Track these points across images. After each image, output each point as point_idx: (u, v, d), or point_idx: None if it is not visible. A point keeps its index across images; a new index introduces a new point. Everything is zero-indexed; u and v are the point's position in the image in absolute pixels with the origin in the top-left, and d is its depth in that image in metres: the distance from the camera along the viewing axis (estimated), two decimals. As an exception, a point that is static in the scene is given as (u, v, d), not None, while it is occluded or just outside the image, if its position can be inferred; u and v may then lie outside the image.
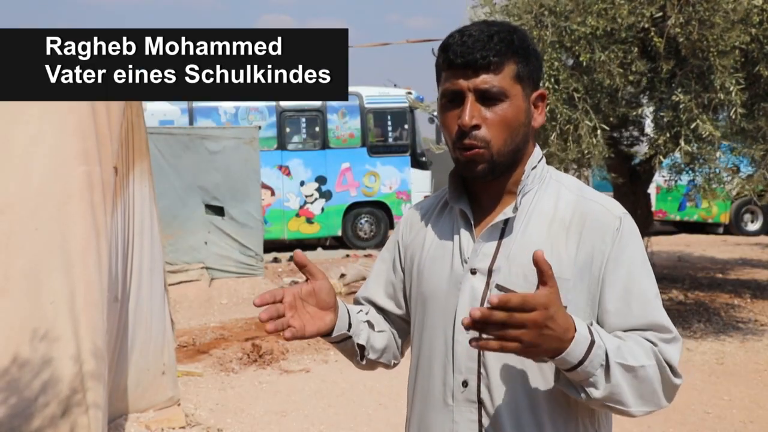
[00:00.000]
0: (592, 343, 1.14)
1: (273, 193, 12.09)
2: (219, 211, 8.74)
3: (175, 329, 5.08)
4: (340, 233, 12.52)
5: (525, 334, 1.07)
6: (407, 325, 1.52)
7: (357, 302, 1.57)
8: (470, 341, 1.10)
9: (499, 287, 1.29)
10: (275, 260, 11.01)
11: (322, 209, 12.39)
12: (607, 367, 1.16)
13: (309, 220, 12.34)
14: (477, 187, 1.38)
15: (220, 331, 6.86)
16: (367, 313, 1.49)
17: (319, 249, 12.49)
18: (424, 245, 1.43)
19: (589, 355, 1.14)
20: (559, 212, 1.32)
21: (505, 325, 1.06)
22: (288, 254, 11.64)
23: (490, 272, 1.31)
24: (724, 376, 5.31)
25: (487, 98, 1.27)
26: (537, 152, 1.37)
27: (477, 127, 1.27)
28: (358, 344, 1.43)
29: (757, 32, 5.11)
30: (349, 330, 1.39)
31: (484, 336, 1.10)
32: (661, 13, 5.29)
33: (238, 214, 8.77)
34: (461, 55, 1.26)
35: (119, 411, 4.10)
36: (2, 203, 3.20)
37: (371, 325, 1.47)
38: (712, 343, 6.12)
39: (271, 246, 11.20)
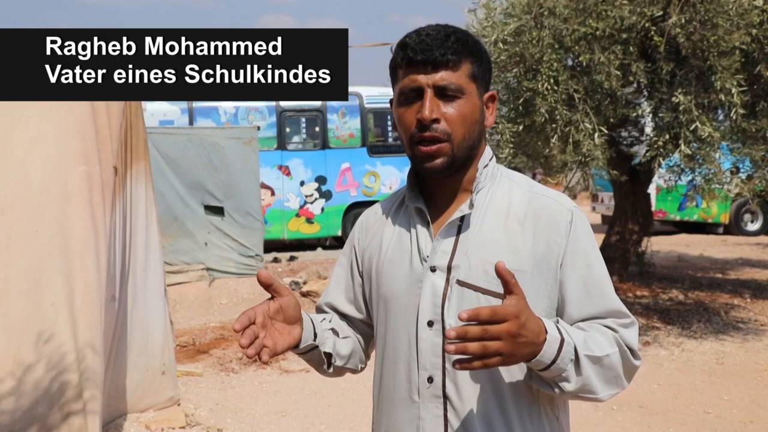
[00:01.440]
0: (562, 341, 1.19)
1: (273, 193, 12.09)
2: (219, 211, 8.73)
3: (175, 329, 5.08)
4: (340, 233, 12.52)
5: (502, 346, 1.10)
6: (370, 328, 1.54)
7: (320, 310, 1.59)
8: (453, 363, 1.12)
9: (459, 283, 1.32)
10: (275, 260, 11.01)
11: (322, 209, 12.39)
12: (577, 361, 1.21)
13: (309, 220, 12.34)
14: (432, 186, 1.41)
15: (220, 331, 6.86)
16: (330, 321, 1.51)
17: (319, 249, 12.49)
18: (381, 247, 1.45)
19: (560, 354, 1.18)
20: (513, 208, 1.36)
21: (482, 339, 1.09)
22: (288, 254, 11.64)
23: (449, 269, 1.34)
24: (724, 376, 5.31)
25: (445, 94, 1.31)
26: (488, 151, 1.42)
27: (437, 120, 1.31)
28: (324, 352, 1.45)
29: (757, 33, 5.11)
30: (315, 340, 1.42)
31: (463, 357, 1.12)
32: (661, 13, 5.29)
33: (238, 214, 8.77)
34: (421, 52, 1.30)
35: (118, 411, 4.09)
36: (2, 203, 3.20)
37: (336, 333, 1.49)
38: (712, 343, 6.12)
39: (271, 246, 11.20)
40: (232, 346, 6.28)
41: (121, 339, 3.95)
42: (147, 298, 4.14)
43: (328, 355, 1.46)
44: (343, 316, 1.55)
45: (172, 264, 8.11)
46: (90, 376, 3.09)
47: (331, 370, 1.49)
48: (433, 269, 1.35)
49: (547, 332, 1.16)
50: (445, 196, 1.40)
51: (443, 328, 1.33)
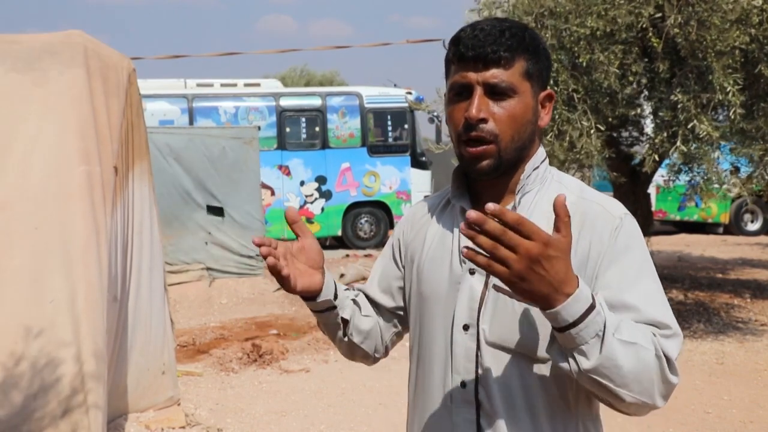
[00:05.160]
0: (592, 306, 1.08)
1: (273, 193, 12.10)
2: (219, 211, 8.74)
3: (175, 329, 5.08)
4: (340, 233, 12.53)
5: (515, 260, 1.02)
6: (397, 320, 1.52)
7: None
8: (463, 248, 1.05)
9: (496, 288, 1.26)
10: (275, 260, 11.01)
11: (322, 209, 12.40)
12: (602, 339, 1.09)
13: (309, 220, 12.34)
14: (479, 186, 1.37)
15: (220, 331, 6.87)
16: (356, 296, 1.49)
17: (319, 249, 12.50)
18: (424, 244, 1.42)
19: (585, 319, 1.07)
20: None
21: (498, 239, 1.01)
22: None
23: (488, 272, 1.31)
24: (724, 376, 5.31)
25: (495, 93, 1.26)
26: (541, 152, 1.36)
27: (484, 120, 1.26)
28: (342, 318, 1.42)
29: (756, 32, 5.11)
30: (334, 300, 1.39)
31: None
32: (659, 14, 5.29)
33: (238, 214, 8.78)
34: (472, 48, 1.25)
35: (119, 411, 4.10)
36: (2, 202, 3.20)
37: (358, 306, 1.47)
38: (712, 343, 6.13)
39: (271, 246, 11.20)
40: (231, 346, 6.28)
41: (123, 339, 3.95)
42: (148, 298, 4.14)
43: (345, 322, 1.43)
44: (372, 303, 1.52)
45: (172, 264, 8.12)
46: (93, 375, 3.09)
47: (346, 339, 1.45)
48: (472, 272, 1.31)
49: (578, 288, 1.06)
50: (492, 197, 1.34)
51: (478, 332, 1.29)
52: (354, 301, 1.47)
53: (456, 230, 1.37)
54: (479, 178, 1.33)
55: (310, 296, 1.35)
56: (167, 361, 4.30)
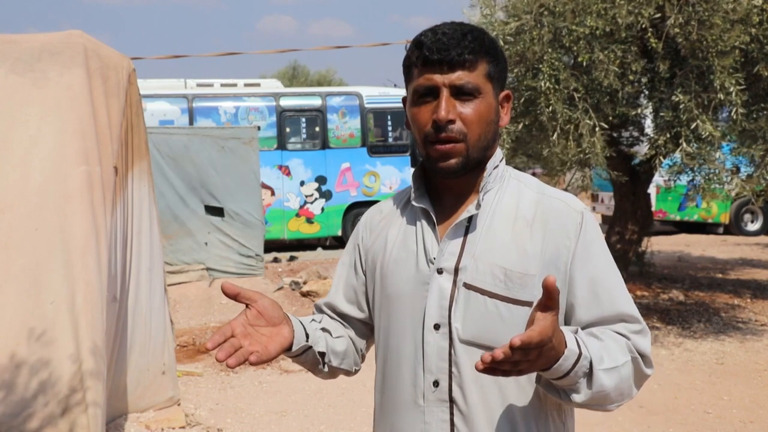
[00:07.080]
0: (580, 355, 1.16)
1: (273, 193, 12.09)
2: (219, 211, 8.74)
3: (175, 329, 5.08)
4: (340, 233, 12.52)
5: (528, 365, 1.10)
6: (368, 329, 1.52)
7: (318, 309, 1.57)
8: (477, 367, 1.09)
9: (466, 286, 1.30)
10: (275, 260, 11.02)
11: (322, 209, 12.39)
12: (590, 376, 1.19)
13: (309, 220, 12.34)
14: (440, 187, 1.39)
15: (220, 331, 6.86)
16: (320, 322, 1.49)
17: (319, 249, 12.50)
18: (386, 247, 1.43)
19: (575, 368, 1.16)
20: (522, 210, 1.34)
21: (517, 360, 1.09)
22: (288, 254, 11.64)
23: (456, 271, 1.32)
24: (724, 376, 5.31)
25: (461, 94, 1.29)
26: (498, 152, 1.40)
27: (452, 121, 1.29)
28: (318, 352, 1.43)
29: (757, 32, 5.11)
30: (307, 340, 1.39)
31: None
32: (659, 14, 5.29)
33: (238, 214, 8.78)
34: (437, 52, 1.28)
35: (119, 411, 4.09)
36: (2, 203, 3.20)
37: (328, 332, 1.48)
38: (712, 343, 6.13)
39: (271, 246, 11.21)
40: (232, 346, 6.28)
41: (122, 339, 3.95)
42: (148, 298, 4.14)
43: (322, 354, 1.44)
44: (342, 316, 1.53)
45: (172, 264, 8.12)
46: (92, 373, 3.09)
47: (326, 369, 1.47)
48: (440, 271, 1.32)
49: (566, 346, 1.14)
50: (454, 197, 1.38)
51: (450, 331, 1.31)
52: (323, 329, 1.47)
53: (419, 231, 1.38)
54: (445, 176, 1.35)
55: (286, 348, 1.34)
56: (167, 361, 4.29)
